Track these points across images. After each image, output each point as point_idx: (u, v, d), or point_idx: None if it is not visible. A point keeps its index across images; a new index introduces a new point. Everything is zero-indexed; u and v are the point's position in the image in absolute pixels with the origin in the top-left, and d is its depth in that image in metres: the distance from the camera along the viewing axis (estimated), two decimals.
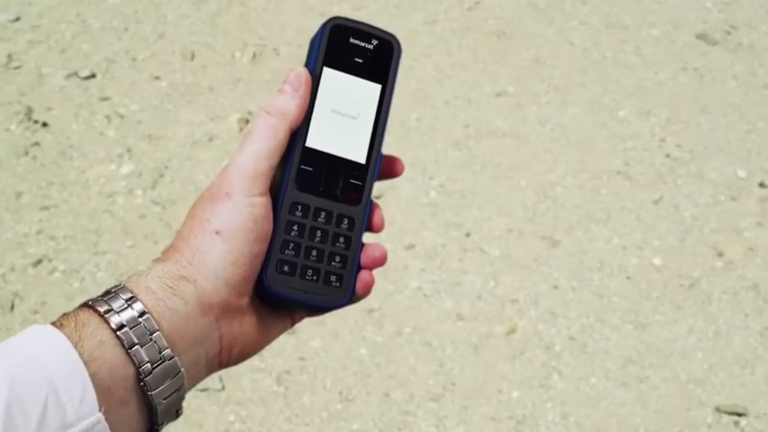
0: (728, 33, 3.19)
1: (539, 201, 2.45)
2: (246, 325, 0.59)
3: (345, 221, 0.62)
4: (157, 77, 2.82)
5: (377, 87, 0.63)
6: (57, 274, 2.17)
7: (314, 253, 0.61)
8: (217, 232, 0.56)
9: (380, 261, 0.63)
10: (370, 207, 0.63)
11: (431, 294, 2.18)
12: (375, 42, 0.64)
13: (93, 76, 2.80)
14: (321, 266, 0.61)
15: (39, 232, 2.27)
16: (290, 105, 0.60)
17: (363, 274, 0.63)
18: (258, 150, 0.58)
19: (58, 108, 2.67)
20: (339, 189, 0.62)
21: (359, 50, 0.63)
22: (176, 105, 2.71)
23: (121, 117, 2.65)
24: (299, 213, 0.60)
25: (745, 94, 2.91)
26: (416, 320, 2.12)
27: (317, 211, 0.61)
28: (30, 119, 2.61)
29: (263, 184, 0.58)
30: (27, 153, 2.50)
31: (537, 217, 2.40)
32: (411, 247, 2.29)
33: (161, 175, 2.45)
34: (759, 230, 2.40)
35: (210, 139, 2.58)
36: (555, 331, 2.12)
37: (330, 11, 3.20)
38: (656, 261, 2.30)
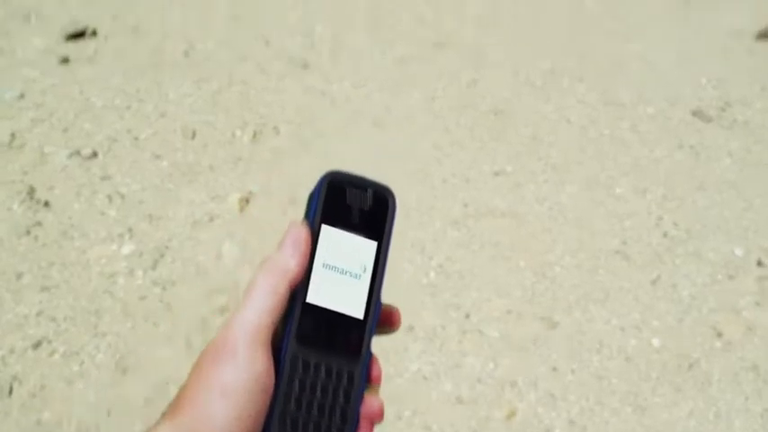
0: (723, 110, 3.23)
1: (537, 281, 2.46)
2: None
3: (345, 377, 0.63)
4: (159, 156, 2.85)
5: (374, 243, 0.65)
6: (56, 357, 2.16)
7: (315, 408, 0.62)
8: (222, 393, 0.58)
9: (378, 416, 0.64)
10: (369, 360, 0.64)
11: (430, 377, 2.18)
12: (371, 198, 0.65)
13: (95, 155, 2.83)
14: (322, 421, 0.62)
15: (39, 313, 2.27)
16: (291, 263, 0.62)
17: (363, 429, 0.64)
18: (260, 307, 0.60)
19: (59, 187, 2.69)
20: (338, 344, 0.63)
21: (355, 207, 0.65)
22: (177, 185, 2.73)
23: (123, 197, 2.67)
24: (300, 369, 0.62)
25: (741, 170, 2.94)
26: (416, 403, 2.11)
27: (318, 366, 0.62)
28: (32, 198, 2.63)
29: (265, 340, 0.60)
30: (28, 233, 2.51)
31: (536, 297, 2.41)
32: (411, 329, 2.29)
33: (162, 255, 2.46)
34: (757, 310, 2.41)
35: (211, 219, 2.59)
36: (555, 414, 2.11)
37: (329, 89, 3.24)
38: (655, 342, 2.30)
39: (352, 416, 0.63)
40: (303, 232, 0.63)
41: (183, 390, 0.60)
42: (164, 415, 0.59)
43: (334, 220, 0.64)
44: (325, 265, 0.63)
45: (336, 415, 0.62)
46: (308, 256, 0.63)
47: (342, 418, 0.63)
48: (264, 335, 0.60)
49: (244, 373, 0.58)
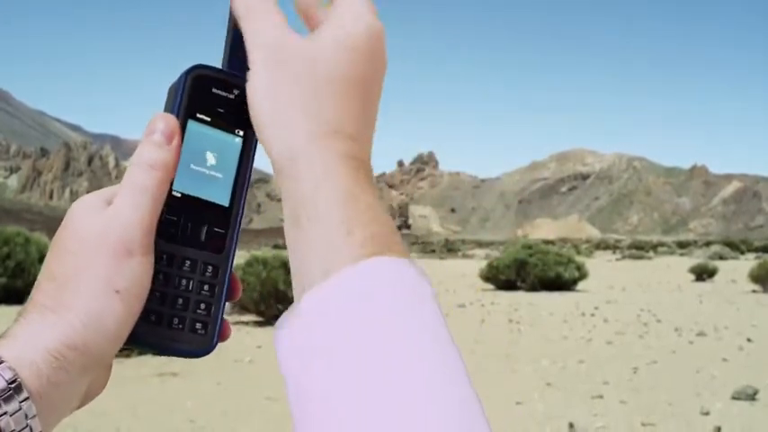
0: None
1: None
2: (106, 370, 0.60)
3: (210, 269, 0.62)
4: None
5: (239, 137, 0.64)
6: None
7: (180, 301, 0.61)
8: (117, 291, 0.56)
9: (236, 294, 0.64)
10: (234, 254, 0.64)
11: None
12: (236, 92, 0.63)
13: None
14: (187, 314, 0.61)
15: None
16: (169, 158, 0.59)
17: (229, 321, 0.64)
18: (151, 205, 0.58)
19: None
20: (203, 237, 0.62)
21: (220, 101, 0.63)
22: None
23: None
24: (164, 263, 0.60)
25: None
26: None
27: (183, 260, 0.61)
28: None
29: (152, 239, 0.58)
30: None
31: None
32: None
33: None
34: None
35: None
36: None
37: None
38: None
39: (217, 308, 0.62)
40: (174, 125, 0.60)
41: (60, 272, 0.57)
42: (35, 299, 0.56)
43: (199, 115, 0.62)
44: (189, 160, 0.62)
45: (201, 308, 0.62)
46: (180, 148, 0.60)
47: (206, 311, 0.62)
48: (153, 235, 0.58)
49: (141, 275, 0.57)
